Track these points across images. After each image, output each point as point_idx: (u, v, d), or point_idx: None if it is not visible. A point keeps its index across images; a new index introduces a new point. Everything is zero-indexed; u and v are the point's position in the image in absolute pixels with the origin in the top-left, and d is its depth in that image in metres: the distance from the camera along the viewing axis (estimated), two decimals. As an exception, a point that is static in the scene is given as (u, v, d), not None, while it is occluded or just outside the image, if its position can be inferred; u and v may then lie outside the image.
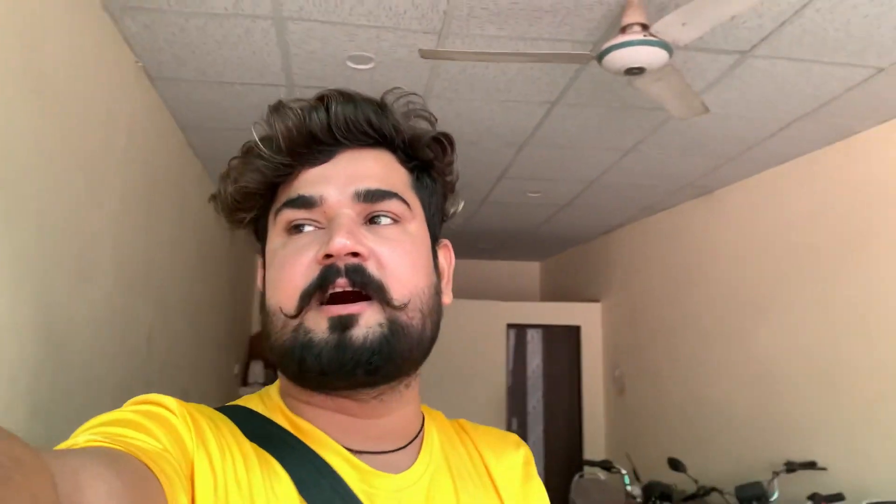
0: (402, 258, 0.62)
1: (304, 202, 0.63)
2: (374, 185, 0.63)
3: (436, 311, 0.66)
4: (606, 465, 3.82)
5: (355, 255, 0.59)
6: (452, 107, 3.10)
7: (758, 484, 3.24)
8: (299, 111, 0.63)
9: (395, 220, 0.64)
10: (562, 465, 5.87)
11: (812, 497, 2.97)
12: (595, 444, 5.78)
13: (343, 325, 0.59)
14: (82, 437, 0.51)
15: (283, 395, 0.67)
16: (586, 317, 6.04)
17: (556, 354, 6.14)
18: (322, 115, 0.63)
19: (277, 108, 0.64)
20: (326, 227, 0.62)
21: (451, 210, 0.74)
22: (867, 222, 3.27)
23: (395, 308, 0.61)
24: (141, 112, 2.73)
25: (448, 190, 0.73)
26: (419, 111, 0.68)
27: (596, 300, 6.08)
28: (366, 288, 0.59)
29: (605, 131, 3.42)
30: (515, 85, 2.87)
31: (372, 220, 0.63)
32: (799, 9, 2.26)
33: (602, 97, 2.99)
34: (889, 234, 3.14)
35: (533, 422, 6.05)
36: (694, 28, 1.97)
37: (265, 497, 0.57)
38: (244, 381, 5.67)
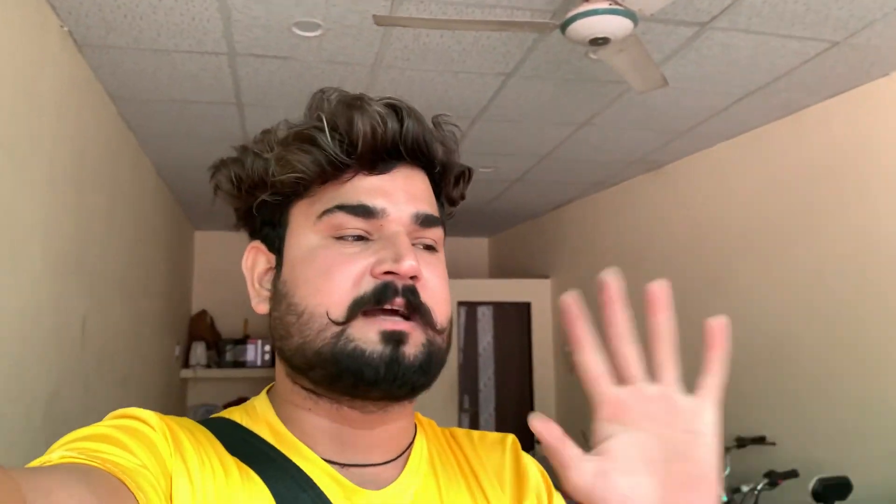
0: (443, 286, 0.65)
1: (365, 211, 0.62)
2: (429, 210, 0.65)
3: (451, 333, 0.68)
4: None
5: (413, 277, 0.61)
6: (404, 76, 2.97)
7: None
8: (381, 116, 0.62)
9: (435, 249, 0.66)
10: (513, 441, 5.86)
11: (768, 475, 2.99)
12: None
13: (396, 339, 0.59)
14: (57, 454, 0.50)
15: (281, 403, 0.66)
16: (536, 293, 6.02)
17: (507, 331, 6.12)
18: (396, 125, 0.63)
19: (361, 107, 0.62)
20: (378, 240, 0.62)
21: None
22: (814, 197, 3.30)
23: (435, 332, 0.62)
24: (68, 83, 2.52)
25: (447, 216, 0.75)
26: (455, 136, 0.71)
27: (546, 276, 6.06)
28: (417, 310, 0.61)
29: (560, 105, 3.35)
30: (470, 56, 2.76)
31: (420, 244, 0.65)
32: (762, -21, 2.21)
33: (558, 69, 2.91)
34: (836, 208, 3.17)
35: (485, 399, 6.02)
36: (660, -4, 1.89)
37: None
38: (185, 363, 5.47)
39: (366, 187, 0.63)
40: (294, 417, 0.65)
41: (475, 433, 0.78)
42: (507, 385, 6.05)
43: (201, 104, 3.22)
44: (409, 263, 0.59)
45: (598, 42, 2.04)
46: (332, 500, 0.60)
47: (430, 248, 0.66)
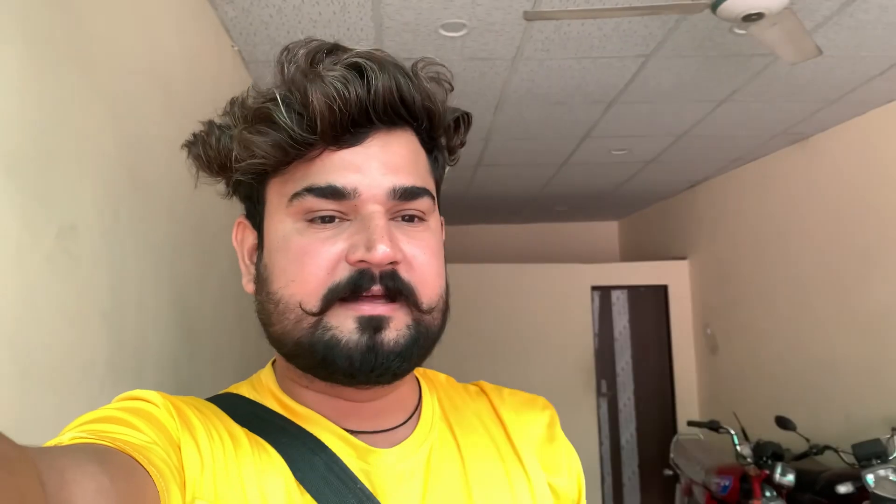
0: (430, 261, 0.61)
1: (335, 192, 0.57)
2: (409, 181, 0.60)
3: (447, 307, 0.64)
4: (714, 426, 3.75)
5: (392, 262, 0.57)
6: (542, 67, 3.03)
7: (877, 441, 3.12)
8: (340, 86, 0.56)
9: (422, 219, 0.61)
10: (653, 425, 5.81)
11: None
12: (688, 405, 5.69)
13: (374, 326, 0.57)
14: (68, 435, 0.50)
15: (281, 378, 0.65)
16: (673, 275, 5.90)
17: (643, 315, 6.04)
18: (361, 90, 0.56)
19: (317, 76, 0.56)
20: (354, 220, 0.58)
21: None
22: None
23: (422, 312, 0.59)
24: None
25: (449, 163, 0.70)
26: (442, 79, 0.63)
27: (683, 257, 5.93)
28: (398, 294, 0.58)
29: (700, 83, 3.29)
30: (610, 41, 2.78)
31: (401, 216, 0.60)
32: (928, -65, 2.10)
33: (700, 47, 2.86)
34: None
35: (622, 383, 5.99)
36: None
37: (257, 479, 0.56)
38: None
39: (336, 164, 0.58)
40: (295, 392, 0.64)
41: (505, 388, 0.76)
42: (645, 369, 5.99)
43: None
44: (382, 251, 0.55)
45: (752, 18, 2.01)
46: (346, 462, 0.60)
47: (415, 218, 0.61)
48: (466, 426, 0.69)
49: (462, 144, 0.69)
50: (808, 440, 3.51)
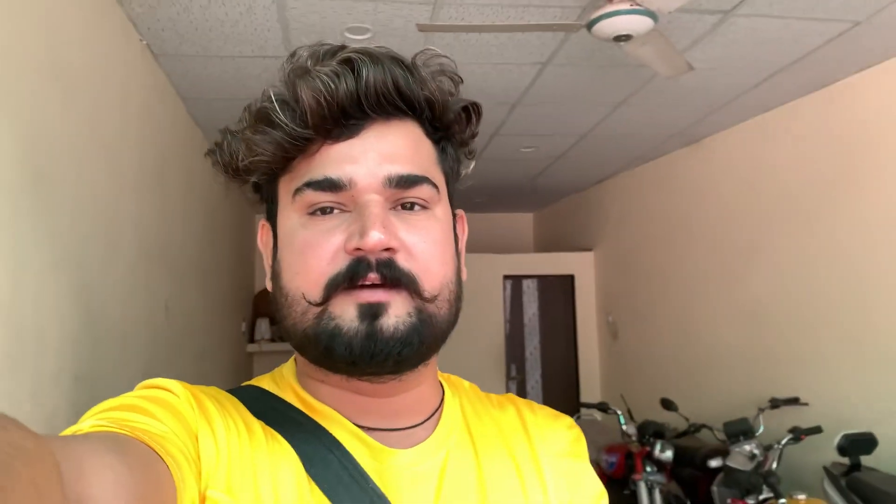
0: (433, 249, 0.61)
1: (331, 185, 0.59)
2: (405, 169, 0.60)
3: (459, 296, 0.64)
4: (602, 407, 4.03)
5: (387, 248, 0.58)
6: (447, 71, 3.19)
7: (744, 420, 3.45)
8: (328, 80, 0.57)
9: (425, 207, 0.61)
10: (559, 407, 5.96)
11: (792, 430, 3.18)
12: (591, 388, 6.03)
13: (373, 313, 0.57)
14: (87, 423, 0.51)
15: (299, 374, 0.67)
16: (579, 265, 6.22)
17: (551, 302, 6.35)
18: (351, 83, 0.57)
19: (302, 75, 0.58)
20: (353, 210, 0.59)
21: (464, 172, 0.71)
22: (847, 166, 3.42)
23: (424, 300, 0.59)
24: (149, 90, 2.82)
25: (465, 156, 0.70)
26: (447, 72, 0.64)
27: (589, 249, 6.25)
28: (397, 282, 0.58)
29: (595, 89, 3.52)
30: (507, 49, 2.97)
31: (402, 205, 0.61)
32: (778, -30, 2.36)
33: (591, 57, 3.09)
34: (867, 176, 3.29)
35: (531, 367, 6.29)
36: (678, -3, 2.07)
37: (269, 471, 0.57)
38: (251, 338, 5.85)
39: (332, 157, 0.59)
40: (312, 387, 0.65)
41: (535, 403, 0.77)
42: (552, 353, 6.30)
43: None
44: (375, 237, 0.56)
45: (622, 38, 2.23)
46: (360, 461, 0.60)
47: (417, 206, 0.61)
48: (486, 434, 0.69)
49: (475, 135, 0.68)
50: (687, 420, 3.83)
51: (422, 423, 0.66)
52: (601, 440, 4.22)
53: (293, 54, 0.61)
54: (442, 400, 0.69)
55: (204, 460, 0.54)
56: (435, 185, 0.62)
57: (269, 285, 0.65)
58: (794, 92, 3.65)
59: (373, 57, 0.58)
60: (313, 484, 0.57)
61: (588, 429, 4.28)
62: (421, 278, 0.59)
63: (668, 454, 3.66)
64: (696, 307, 4.66)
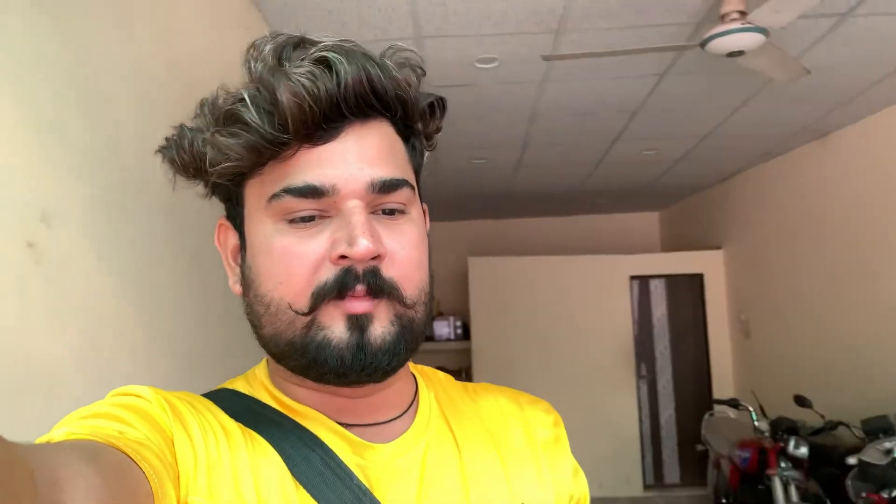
0: (412, 254, 0.61)
1: (312, 191, 0.57)
2: (387, 173, 0.59)
3: (432, 297, 0.64)
4: (734, 403, 4.08)
5: (375, 257, 0.57)
6: (567, 87, 3.42)
7: (884, 417, 3.42)
8: (308, 82, 0.55)
9: (403, 211, 0.61)
10: (690, 406, 6.15)
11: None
12: (723, 386, 6.01)
13: (360, 325, 0.57)
14: (61, 431, 0.50)
15: (272, 375, 0.66)
16: (709, 264, 6.21)
17: (681, 302, 6.38)
18: (331, 85, 0.56)
19: (284, 73, 0.56)
20: (336, 217, 0.58)
21: (423, 163, 0.70)
22: None
23: (406, 307, 0.59)
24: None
25: (427, 148, 0.69)
26: (413, 64, 0.63)
27: (718, 247, 6.22)
28: (380, 291, 0.58)
29: (713, 94, 3.63)
30: (625, 64, 3.16)
31: (382, 210, 0.60)
32: (893, -26, 2.42)
33: (707, 66, 3.22)
34: None
35: (661, 367, 6.35)
36: (787, 13, 2.20)
37: (251, 474, 0.57)
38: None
39: (312, 162, 0.57)
40: (287, 389, 0.64)
41: (511, 389, 0.77)
42: (682, 353, 6.33)
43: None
44: (364, 245, 0.55)
45: (735, 54, 2.38)
46: (341, 457, 0.60)
47: (395, 211, 0.61)
48: (464, 421, 0.69)
49: (438, 130, 0.68)
50: (823, 417, 3.83)
51: (399, 416, 0.66)
52: (734, 436, 4.27)
53: (253, 47, 0.59)
54: (416, 392, 0.70)
55: (181, 465, 0.54)
56: (412, 186, 0.62)
57: (235, 289, 0.64)
58: (927, 82, 3.58)
59: (347, 55, 0.57)
60: (297, 483, 0.57)
61: (721, 425, 4.38)
62: (402, 286, 0.59)
63: (803, 450, 3.68)
64: (830, 303, 4.59)
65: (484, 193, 6.06)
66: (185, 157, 0.60)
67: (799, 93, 3.71)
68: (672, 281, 6.41)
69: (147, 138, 1.50)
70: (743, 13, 2.32)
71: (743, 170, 5.66)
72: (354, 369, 0.57)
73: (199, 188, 0.65)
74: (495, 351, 6.05)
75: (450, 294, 6.65)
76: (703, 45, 2.39)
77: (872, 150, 4.15)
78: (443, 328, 6.51)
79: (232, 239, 0.65)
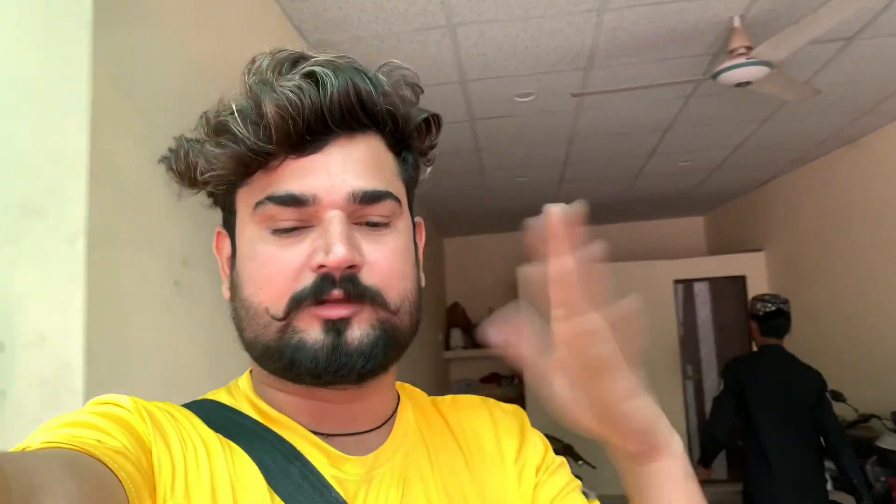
0: (395, 263, 0.61)
1: (294, 200, 0.58)
2: (369, 185, 0.60)
3: (420, 306, 0.65)
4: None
5: (351, 266, 0.58)
6: (601, 111, 3.75)
7: (912, 408, 3.63)
8: (293, 96, 0.56)
9: (387, 224, 0.62)
10: (739, 404, 6.35)
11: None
12: (769, 384, 6.19)
13: (337, 328, 0.58)
14: (37, 439, 0.50)
15: (255, 383, 0.67)
16: (750, 266, 6.40)
17: (724, 304, 6.60)
18: (316, 98, 0.57)
19: (270, 86, 0.57)
20: (316, 226, 0.59)
21: (422, 178, 0.71)
22: None
23: (390, 311, 0.60)
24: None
25: (424, 163, 0.70)
26: (409, 82, 0.64)
27: (759, 249, 6.42)
28: (361, 296, 0.58)
29: (739, 110, 3.90)
30: (651, 91, 3.47)
31: (366, 223, 0.61)
32: None
33: (727, 89, 3.47)
34: None
35: (707, 368, 6.58)
36: (785, 49, 2.50)
37: (229, 486, 0.57)
38: (447, 346, 6.67)
39: (295, 172, 0.59)
40: (270, 396, 0.65)
41: (485, 398, 0.78)
42: (727, 353, 6.52)
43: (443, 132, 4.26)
44: (339, 252, 0.56)
45: (743, 84, 2.68)
46: (320, 469, 0.60)
47: (379, 224, 0.61)
48: (440, 441, 0.70)
49: (434, 146, 0.69)
50: (856, 410, 4.04)
51: (378, 427, 0.67)
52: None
53: (252, 61, 0.61)
54: (397, 406, 0.71)
55: (158, 475, 0.54)
56: (397, 199, 0.62)
57: (226, 294, 0.66)
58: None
59: (336, 69, 0.58)
60: (275, 495, 0.58)
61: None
62: (384, 293, 0.60)
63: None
64: (865, 302, 4.76)
65: (530, 207, 6.37)
66: (181, 167, 0.62)
67: (822, 105, 3.94)
68: (715, 283, 6.63)
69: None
70: (749, 48, 2.62)
71: (779, 175, 5.86)
72: (329, 370, 0.58)
73: (205, 199, 0.68)
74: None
75: (500, 302, 6.95)
76: (714, 77, 2.71)
77: (899, 154, 4.33)
78: (495, 335, 6.85)
79: (226, 247, 0.66)
